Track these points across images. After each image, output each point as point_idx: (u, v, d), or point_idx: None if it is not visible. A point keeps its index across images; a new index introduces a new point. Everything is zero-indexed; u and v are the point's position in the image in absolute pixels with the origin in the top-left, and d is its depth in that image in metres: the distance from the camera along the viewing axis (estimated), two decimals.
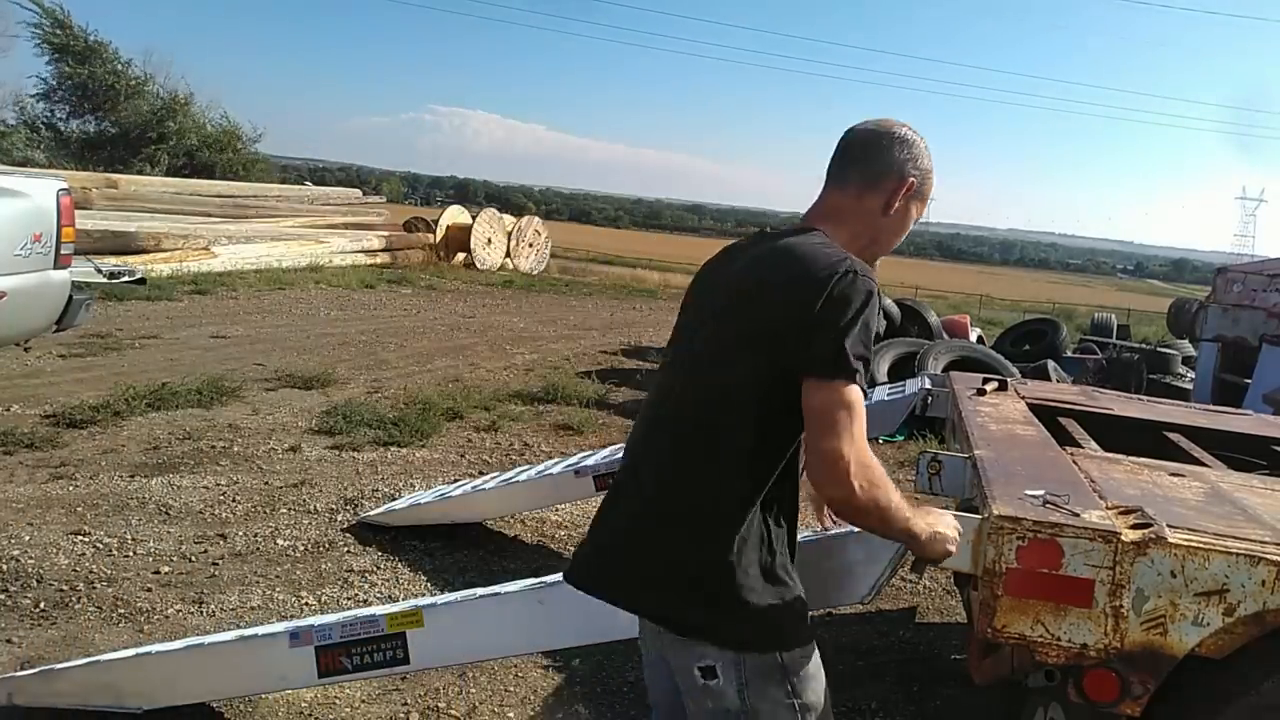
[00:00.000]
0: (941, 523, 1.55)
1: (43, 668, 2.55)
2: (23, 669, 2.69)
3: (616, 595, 1.56)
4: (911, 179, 1.58)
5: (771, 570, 1.48)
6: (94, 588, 3.35)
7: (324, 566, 3.75)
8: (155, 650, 2.47)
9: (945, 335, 9.93)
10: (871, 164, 1.57)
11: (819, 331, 1.39)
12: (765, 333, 1.45)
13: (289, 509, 4.31)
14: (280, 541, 3.94)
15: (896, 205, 1.58)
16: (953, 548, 1.58)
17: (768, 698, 1.45)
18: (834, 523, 1.95)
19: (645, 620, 1.59)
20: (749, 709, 1.45)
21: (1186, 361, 9.99)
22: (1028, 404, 3.19)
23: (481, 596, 2.33)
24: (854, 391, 1.39)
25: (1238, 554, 1.70)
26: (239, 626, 3.04)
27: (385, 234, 17.50)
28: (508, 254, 18.65)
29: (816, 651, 1.53)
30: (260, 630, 2.41)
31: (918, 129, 1.62)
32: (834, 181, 1.61)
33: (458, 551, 3.98)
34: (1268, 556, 1.70)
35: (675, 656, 1.50)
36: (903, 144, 1.58)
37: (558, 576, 2.29)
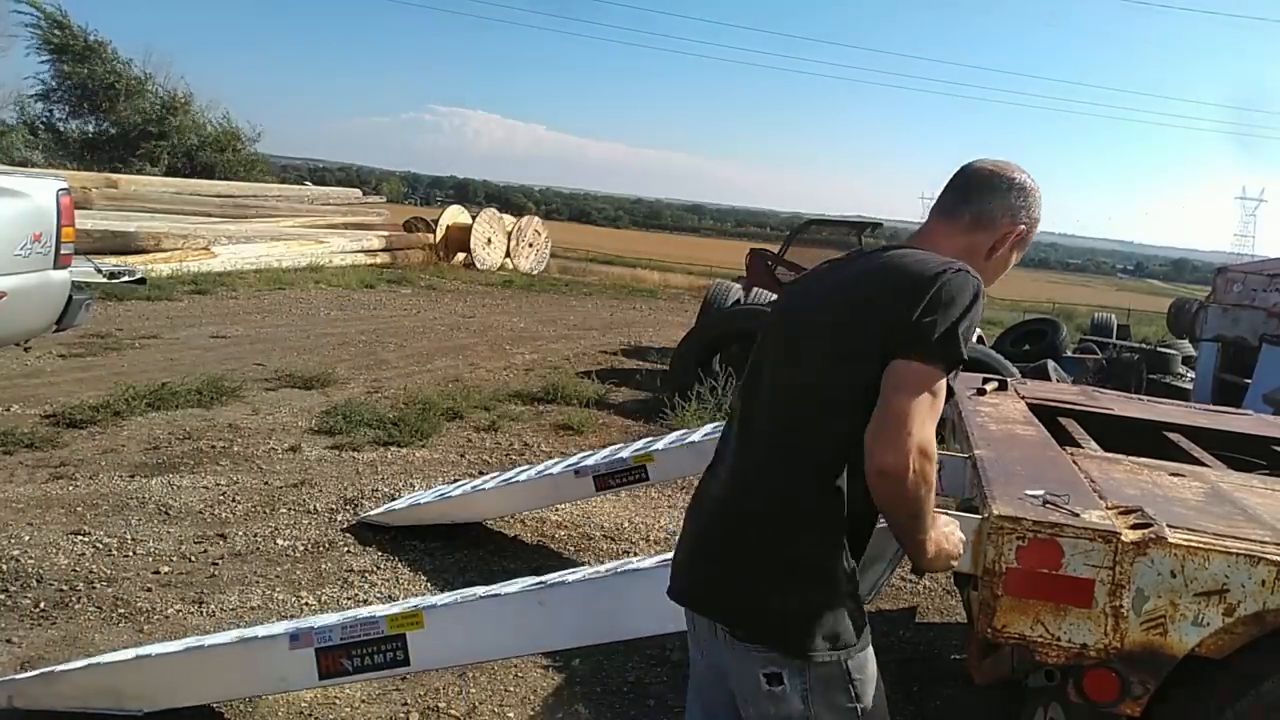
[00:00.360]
0: (947, 538, 1.54)
1: (43, 670, 2.55)
2: (22, 670, 2.69)
3: (693, 601, 1.57)
4: (1022, 226, 1.59)
5: (842, 578, 1.48)
6: (94, 588, 3.35)
7: (324, 566, 3.75)
8: (155, 652, 2.46)
9: None
10: (987, 204, 1.58)
11: (926, 318, 1.39)
12: (878, 336, 1.43)
13: (289, 509, 4.31)
14: (280, 541, 3.94)
15: (1001, 251, 1.60)
16: (955, 562, 1.58)
17: (831, 704, 1.46)
18: None
19: (705, 626, 1.58)
20: (812, 715, 1.45)
21: (1186, 361, 9.98)
22: (1028, 404, 3.19)
23: (481, 598, 2.33)
24: (944, 382, 1.40)
25: (1238, 554, 1.70)
26: (239, 626, 3.04)
27: (385, 234, 17.49)
28: (508, 254, 18.64)
29: (873, 652, 1.53)
30: (260, 632, 2.41)
31: (1031, 175, 1.61)
32: (944, 214, 1.61)
33: (458, 551, 3.98)
34: (1268, 556, 1.70)
35: (739, 662, 1.50)
36: (1021, 191, 1.59)
37: (558, 576, 2.30)
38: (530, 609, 2.30)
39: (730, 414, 1.70)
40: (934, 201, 1.66)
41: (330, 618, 2.38)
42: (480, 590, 2.49)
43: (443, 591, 3.45)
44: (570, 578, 2.32)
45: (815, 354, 1.51)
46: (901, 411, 1.36)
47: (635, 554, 4.18)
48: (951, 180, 1.63)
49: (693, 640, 1.66)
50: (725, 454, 1.62)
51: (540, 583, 2.34)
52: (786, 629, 1.45)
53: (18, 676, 2.54)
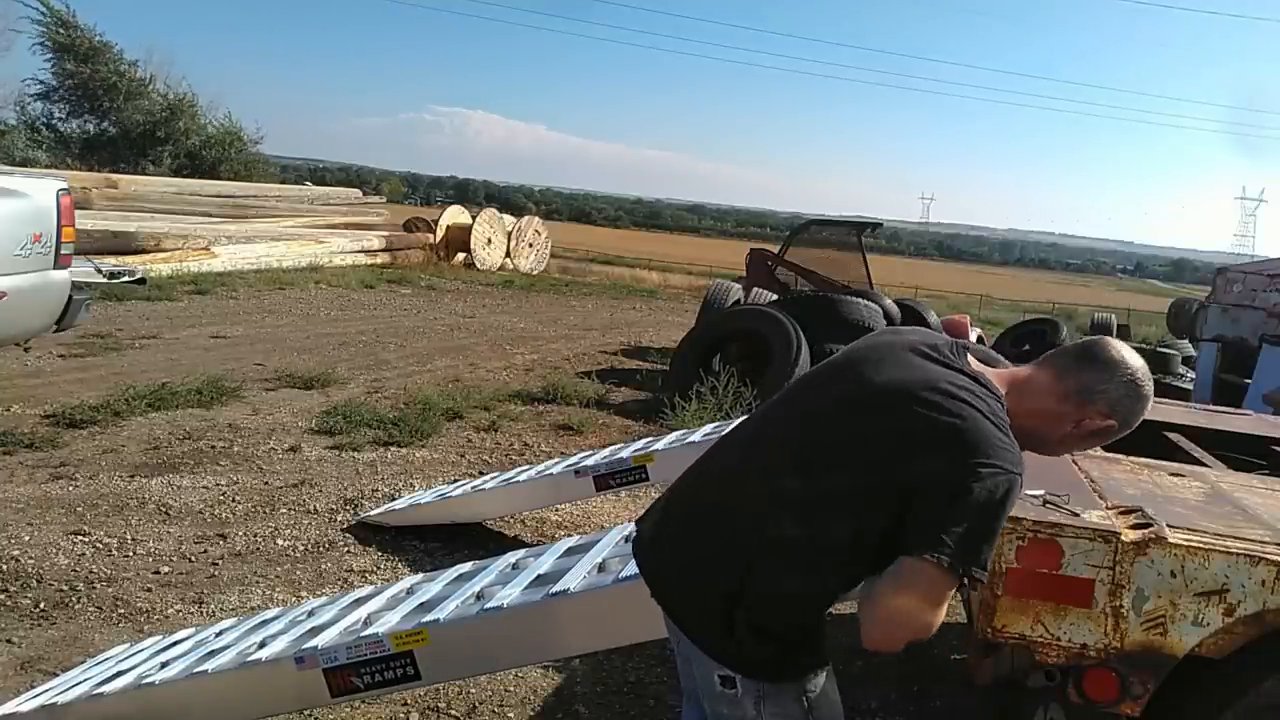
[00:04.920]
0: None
1: (45, 703, 2.47)
2: (23, 670, 2.68)
3: (658, 594, 1.58)
4: (1113, 423, 1.54)
5: (794, 638, 1.48)
6: (94, 588, 3.35)
7: (324, 566, 3.75)
8: (157, 680, 2.40)
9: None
10: (1098, 385, 1.53)
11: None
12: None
13: (289, 509, 4.31)
14: (280, 541, 3.94)
15: (1074, 430, 1.55)
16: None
17: (784, 714, 1.47)
18: None
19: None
20: None
21: (1186, 361, 9.99)
22: None
23: (486, 610, 2.31)
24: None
25: (1238, 554, 1.70)
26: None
27: (385, 234, 17.47)
28: (508, 254, 18.64)
29: (830, 669, 1.53)
30: (263, 655, 2.37)
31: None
32: (1056, 368, 1.57)
33: (458, 551, 3.97)
34: (1268, 556, 1.70)
35: (699, 662, 1.52)
36: (1133, 393, 1.53)
37: (562, 585, 2.29)
38: (534, 621, 2.28)
39: (747, 429, 1.66)
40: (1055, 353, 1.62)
41: (333, 636, 2.35)
42: (477, 585, 2.47)
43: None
44: (574, 584, 2.30)
45: (830, 439, 1.50)
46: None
47: None
48: (1081, 344, 1.60)
49: (666, 622, 1.65)
50: (720, 474, 1.60)
51: (544, 592, 2.32)
52: (733, 658, 1.47)
53: (20, 709, 2.47)
